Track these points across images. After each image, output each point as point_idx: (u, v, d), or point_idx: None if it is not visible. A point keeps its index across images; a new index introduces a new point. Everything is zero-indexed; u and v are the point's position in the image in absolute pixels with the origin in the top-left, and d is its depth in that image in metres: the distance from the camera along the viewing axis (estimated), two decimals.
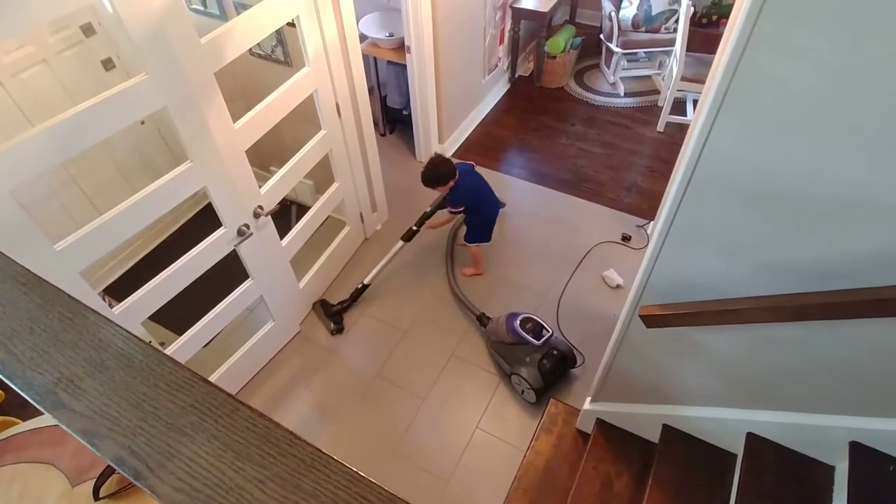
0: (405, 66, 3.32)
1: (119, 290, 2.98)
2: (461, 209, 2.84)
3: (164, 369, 0.56)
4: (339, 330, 2.91)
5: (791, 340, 1.37)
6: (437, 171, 2.72)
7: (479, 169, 3.00)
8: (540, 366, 2.45)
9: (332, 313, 2.95)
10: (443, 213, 2.91)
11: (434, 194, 2.84)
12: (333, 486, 0.47)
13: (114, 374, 0.56)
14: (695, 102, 3.96)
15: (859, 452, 1.45)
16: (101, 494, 0.85)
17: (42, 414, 1.03)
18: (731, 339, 1.49)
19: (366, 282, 2.96)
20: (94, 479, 0.85)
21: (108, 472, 0.85)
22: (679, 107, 4.00)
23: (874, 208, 1.02)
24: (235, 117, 2.01)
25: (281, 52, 2.64)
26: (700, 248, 1.32)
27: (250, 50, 2.61)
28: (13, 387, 0.56)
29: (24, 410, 1.31)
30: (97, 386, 0.55)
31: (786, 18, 0.89)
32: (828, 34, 0.88)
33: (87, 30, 2.60)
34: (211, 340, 2.44)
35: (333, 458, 0.49)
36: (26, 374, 0.56)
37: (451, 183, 2.74)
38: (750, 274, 1.28)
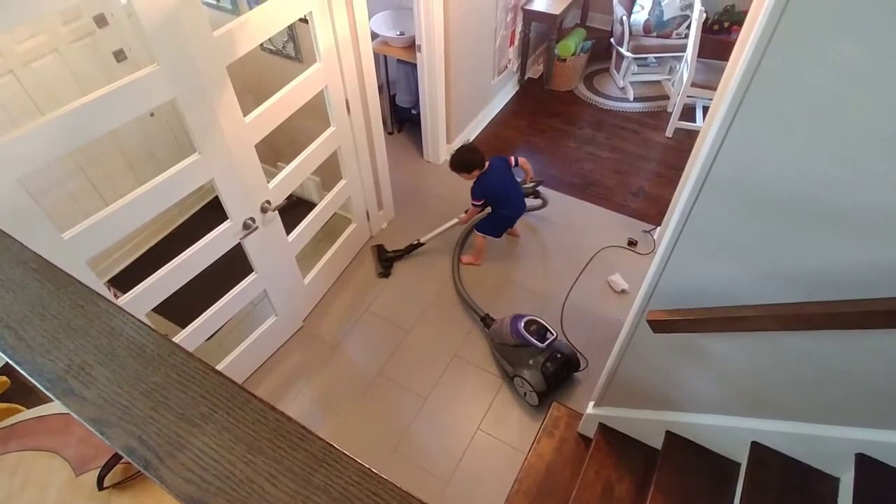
0: (415, 65, 3.32)
1: (124, 281, 2.99)
2: (481, 202, 2.84)
3: (176, 359, 0.55)
4: (385, 275, 3.12)
5: (801, 350, 1.35)
6: (462, 158, 2.75)
7: None
8: (543, 369, 2.44)
9: (384, 259, 3.12)
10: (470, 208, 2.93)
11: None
12: (345, 481, 0.47)
13: (125, 362, 0.55)
14: (704, 109, 3.94)
15: (865, 464, 1.44)
16: (106, 484, 0.84)
17: (48, 402, 1.03)
18: (739, 347, 1.48)
19: (422, 241, 3.11)
20: (99, 469, 0.85)
21: (112, 462, 0.85)
22: (688, 113, 3.98)
23: (891, 217, 1.01)
24: (244, 112, 2.01)
25: (292, 48, 2.64)
26: (710, 253, 1.31)
27: (261, 45, 2.61)
28: (23, 373, 0.56)
29: (27, 398, 1.30)
30: (108, 374, 0.54)
31: (806, 24, 0.89)
32: (848, 40, 0.87)
33: (100, 20, 2.60)
34: (214, 334, 2.44)
35: (345, 454, 0.48)
36: (36, 361, 0.56)
37: (476, 173, 2.76)
38: (761, 281, 1.27)
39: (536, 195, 3.27)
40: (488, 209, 2.92)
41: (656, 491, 1.78)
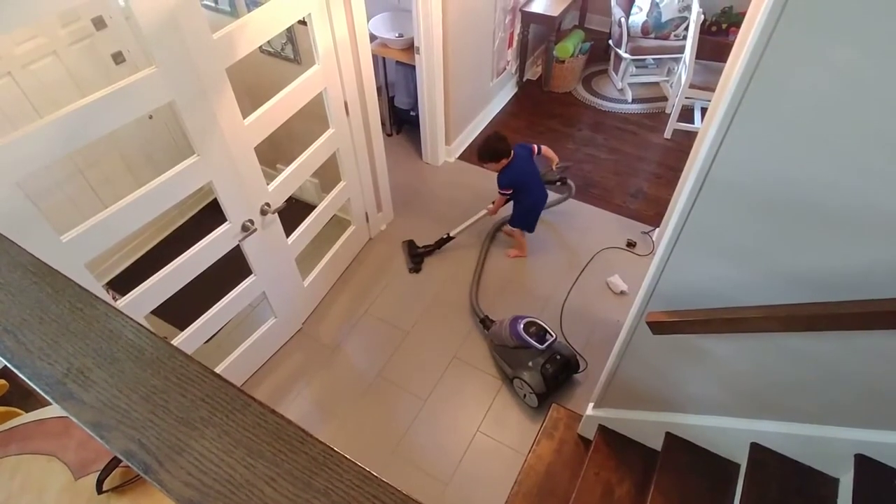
0: (414, 66, 3.32)
1: (122, 284, 2.98)
2: (509, 192, 2.86)
3: (175, 362, 0.55)
4: (416, 270, 3.13)
5: (801, 351, 1.35)
6: (490, 147, 2.76)
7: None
8: (543, 370, 2.44)
9: (415, 254, 3.13)
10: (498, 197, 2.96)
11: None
12: (345, 485, 0.46)
13: (124, 365, 0.55)
14: (703, 110, 3.95)
15: (865, 465, 1.44)
16: (105, 488, 0.84)
17: (46, 405, 1.02)
18: (739, 348, 1.48)
19: (451, 234, 3.13)
20: (98, 472, 0.84)
21: (111, 466, 0.84)
22: (687, 114, 3.99)
23: (890, 218, 1.01)
24: (243, 114, 2.01)
25: (291, 49, 2.64)
26: (710, 254, 1.31)
27: (260, 47, 2.61)
28: (22, 377, 0.55)
29: (26, 401, 1.30)
30: (107, 377, 0.54)
31: (804, 25, 0.89)
32: (845, 43, 0.87)
33: (98, 23, 2.60)
34: (213, 336, 2.43)
35: (346, 457, 0.48)
36: (35, 364, 0.56)
37: (504, 161, 2.78)
38: (760, 282, 1.27)
39: (563, 182, 3.26)
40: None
41: (656, 492, 1.78)
